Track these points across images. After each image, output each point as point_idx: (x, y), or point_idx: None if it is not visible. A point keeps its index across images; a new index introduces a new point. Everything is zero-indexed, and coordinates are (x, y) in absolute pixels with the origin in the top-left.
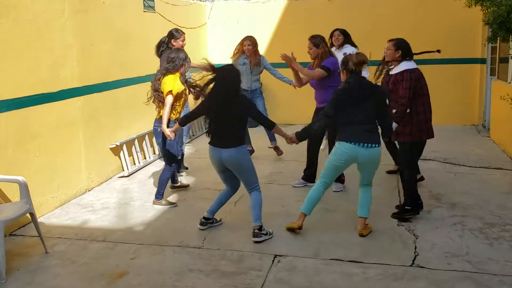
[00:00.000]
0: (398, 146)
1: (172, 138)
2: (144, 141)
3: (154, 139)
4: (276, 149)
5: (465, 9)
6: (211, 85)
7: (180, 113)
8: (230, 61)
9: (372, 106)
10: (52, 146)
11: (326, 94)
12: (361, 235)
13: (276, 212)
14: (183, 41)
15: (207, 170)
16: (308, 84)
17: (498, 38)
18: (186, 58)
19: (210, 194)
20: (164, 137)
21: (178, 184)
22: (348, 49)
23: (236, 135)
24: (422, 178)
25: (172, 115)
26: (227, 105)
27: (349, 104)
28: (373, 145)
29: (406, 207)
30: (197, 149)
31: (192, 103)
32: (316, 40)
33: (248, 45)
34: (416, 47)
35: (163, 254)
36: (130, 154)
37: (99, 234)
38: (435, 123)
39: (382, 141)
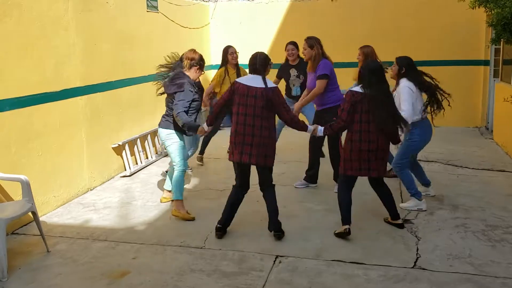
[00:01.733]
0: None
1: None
2: (146, 141)
3: (156, 139)
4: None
5: (469, 10)
6: None
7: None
8: None
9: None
10: (55, 145)
11: (325, 97)
12: (173, 215)
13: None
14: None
15: (210, 171)
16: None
17: (502, 40)
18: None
19: (212, 194)
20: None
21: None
22: (403, 83)
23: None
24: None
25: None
26: None
27: None
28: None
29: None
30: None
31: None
32: (311, 42)
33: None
34: (419, 48)
35: (164, 254)
36: (132, 153)
37: (101, 234)
38: (438, 124)
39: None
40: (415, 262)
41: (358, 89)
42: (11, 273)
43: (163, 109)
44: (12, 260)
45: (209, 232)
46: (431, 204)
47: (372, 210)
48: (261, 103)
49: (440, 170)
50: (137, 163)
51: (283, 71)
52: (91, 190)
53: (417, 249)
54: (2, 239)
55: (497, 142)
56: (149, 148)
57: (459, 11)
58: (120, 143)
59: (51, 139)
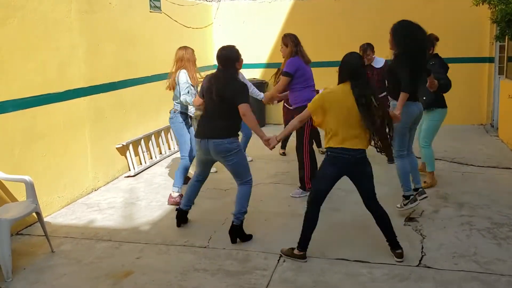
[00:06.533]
0: None
1: None
2: (150, 141)
3: (160, 139)
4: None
5: (473, 7)
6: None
7: None
8: None
9: None
10: (59, 146)
11: (295, 96)
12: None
13: (282, 211)
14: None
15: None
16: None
17: (506, 36)
18: None
19: (216, 194)
20: None
21: None
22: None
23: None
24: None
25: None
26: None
27: None
28: None
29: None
30: None
31: None
32: (285, 40)
33: None
34: None
35: (168, 254)
36: (136, 154)
37: (105, 234)
38: (443, 122)
39: None
40: (420, 261)
41: None
42: (16, 273)
43: (167, 109)
44: (17, 260)
45: (213, 232)
46: (436, 202)
47: None
48: None
49: (445, 168)
50: (141, 164)
51: None
52: (95, 190)
53: (422, 247)
54: (6, 240)
55: (503, 139)
56: (153, 148)
57: (463, 8)
58: (124, 144)
59: (55, 139)
